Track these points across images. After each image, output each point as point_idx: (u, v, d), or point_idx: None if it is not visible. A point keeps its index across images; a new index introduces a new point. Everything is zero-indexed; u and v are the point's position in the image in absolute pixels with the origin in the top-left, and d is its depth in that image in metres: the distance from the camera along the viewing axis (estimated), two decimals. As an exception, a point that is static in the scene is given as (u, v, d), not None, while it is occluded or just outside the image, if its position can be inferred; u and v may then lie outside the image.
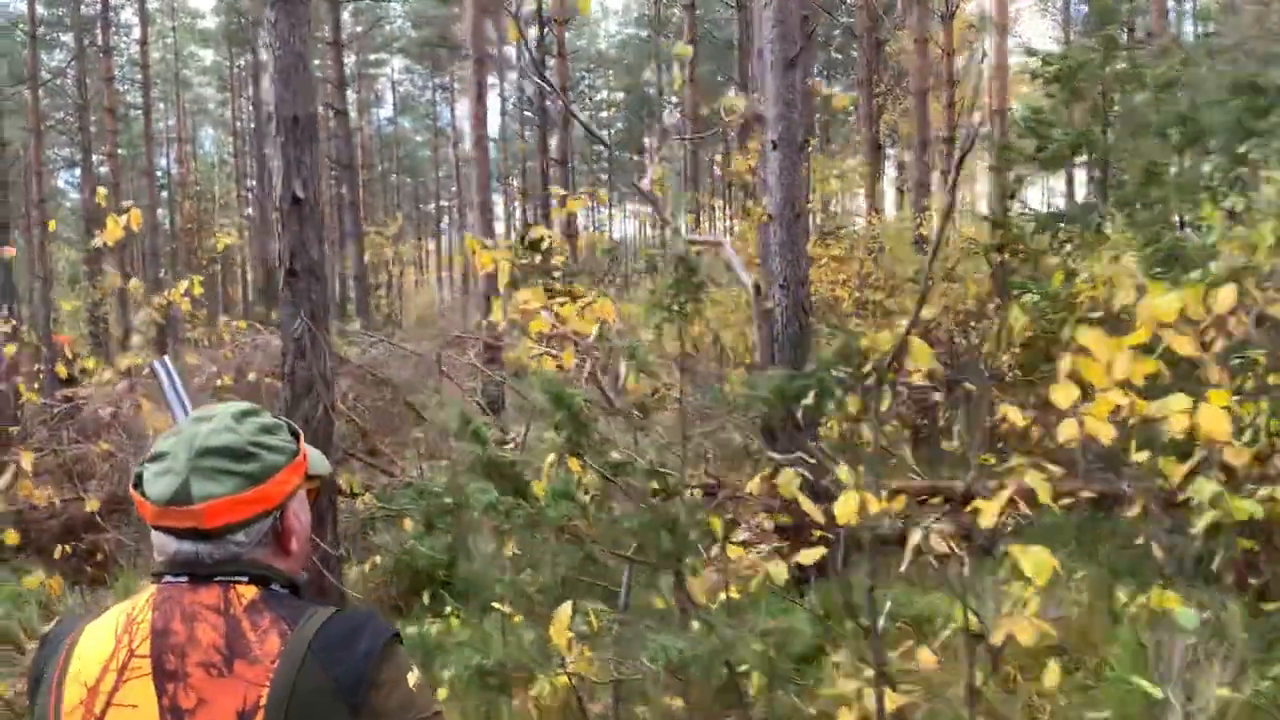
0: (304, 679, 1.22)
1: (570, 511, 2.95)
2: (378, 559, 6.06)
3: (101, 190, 5.59)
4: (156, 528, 1.30)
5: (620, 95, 45.04)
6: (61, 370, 6.15)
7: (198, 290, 5.19)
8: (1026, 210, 9.93)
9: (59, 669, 1.29)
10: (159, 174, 33.82)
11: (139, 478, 1.31)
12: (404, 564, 6.20)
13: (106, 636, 1.29)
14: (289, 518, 1.36)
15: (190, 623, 1.26)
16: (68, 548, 5.99)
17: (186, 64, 39.81)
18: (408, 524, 5.20)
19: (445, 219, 50.04)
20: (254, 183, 32.45)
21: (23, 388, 5.81)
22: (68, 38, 28.93)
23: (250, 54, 32.53)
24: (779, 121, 5.82)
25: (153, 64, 28.36)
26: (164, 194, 33.30)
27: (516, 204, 39.59)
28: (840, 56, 34.75)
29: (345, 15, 28.28)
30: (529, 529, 2.94)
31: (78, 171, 30.74)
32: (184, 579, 1.29)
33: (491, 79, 42.25)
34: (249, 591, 1.29)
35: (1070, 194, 16.95)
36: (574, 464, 3.11)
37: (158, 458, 1.31)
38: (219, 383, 6.27)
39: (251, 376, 6.31)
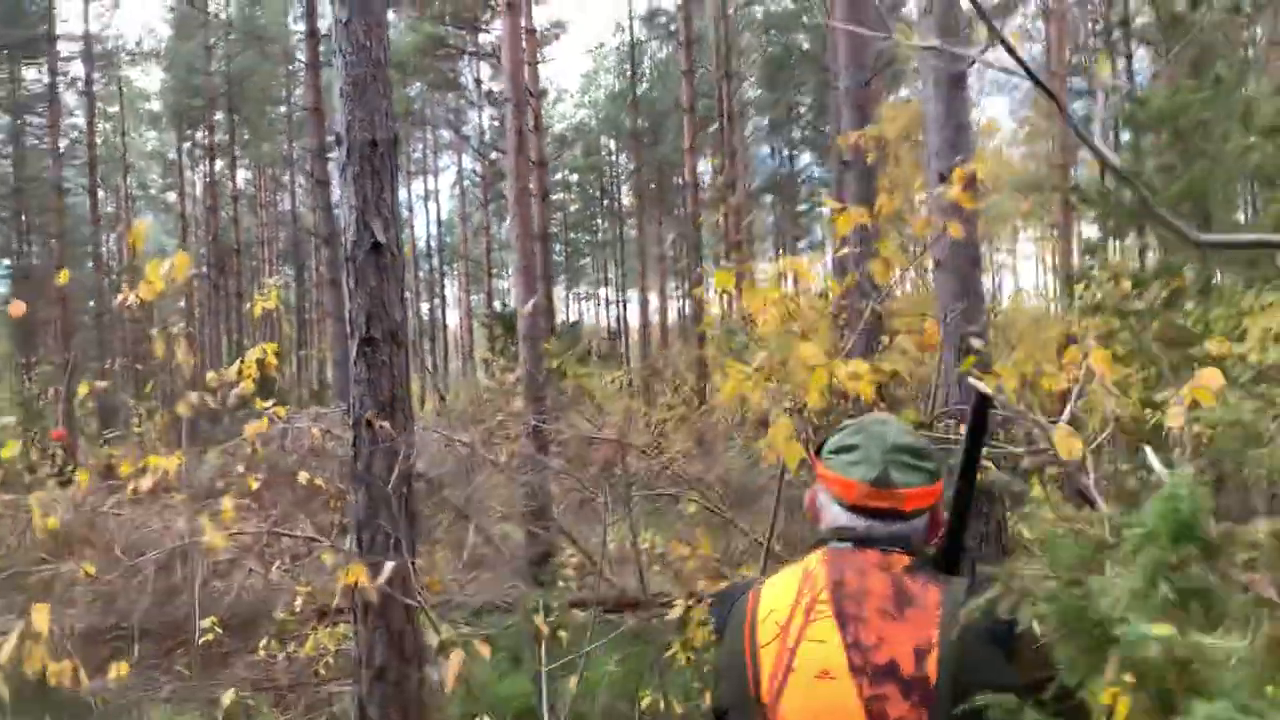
0: (968, 626, 1.42)
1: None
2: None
3: (139, 228, 4.33)
4: (853, 507, 1.60)
5: (575, 176, 44.48)
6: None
7: (271, 360, 3.93)
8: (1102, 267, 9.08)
9: (749, 614, 1.58)
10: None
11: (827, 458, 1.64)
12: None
13: (790, 587, 1.58)
14: (939, 512, 1.66)
15: (862, 576, 1.54)
16: None
17: (129, 147, 38.36)
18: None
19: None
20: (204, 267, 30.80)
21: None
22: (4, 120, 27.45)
23: (205, 131, 31.22)
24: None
25: (97, 146, 26.92)
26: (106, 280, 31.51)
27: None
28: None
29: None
30: None
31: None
32: (847, 545, 1.59)
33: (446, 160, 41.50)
34: (903, 559, 1.57)
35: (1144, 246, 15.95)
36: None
37: (848, 449, 1.63)
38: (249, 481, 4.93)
39: (302, 476, 4.99)
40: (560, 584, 6.98)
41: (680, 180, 35.39)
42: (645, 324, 31.83)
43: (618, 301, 43.66)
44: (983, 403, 1.69)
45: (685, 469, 8.74)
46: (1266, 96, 7.93)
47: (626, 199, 40.82)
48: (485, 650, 3.67)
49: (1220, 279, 7.15)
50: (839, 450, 1.64)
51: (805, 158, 33.01)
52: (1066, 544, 1.42)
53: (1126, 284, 7.67)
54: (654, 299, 34.35)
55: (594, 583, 6.91)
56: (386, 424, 3.87)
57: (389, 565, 3.42)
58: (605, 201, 42.83)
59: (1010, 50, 1.34)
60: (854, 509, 1.60)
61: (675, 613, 4.98)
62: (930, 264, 4.79)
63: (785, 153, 33.47)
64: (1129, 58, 20.23)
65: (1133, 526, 1.29)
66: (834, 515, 1.63)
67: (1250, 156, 7.84)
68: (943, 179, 4.81)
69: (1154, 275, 7.32)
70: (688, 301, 37.45)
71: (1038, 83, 1.41)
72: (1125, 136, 8.98)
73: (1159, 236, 8.03)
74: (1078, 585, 1.31)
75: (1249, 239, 1.85)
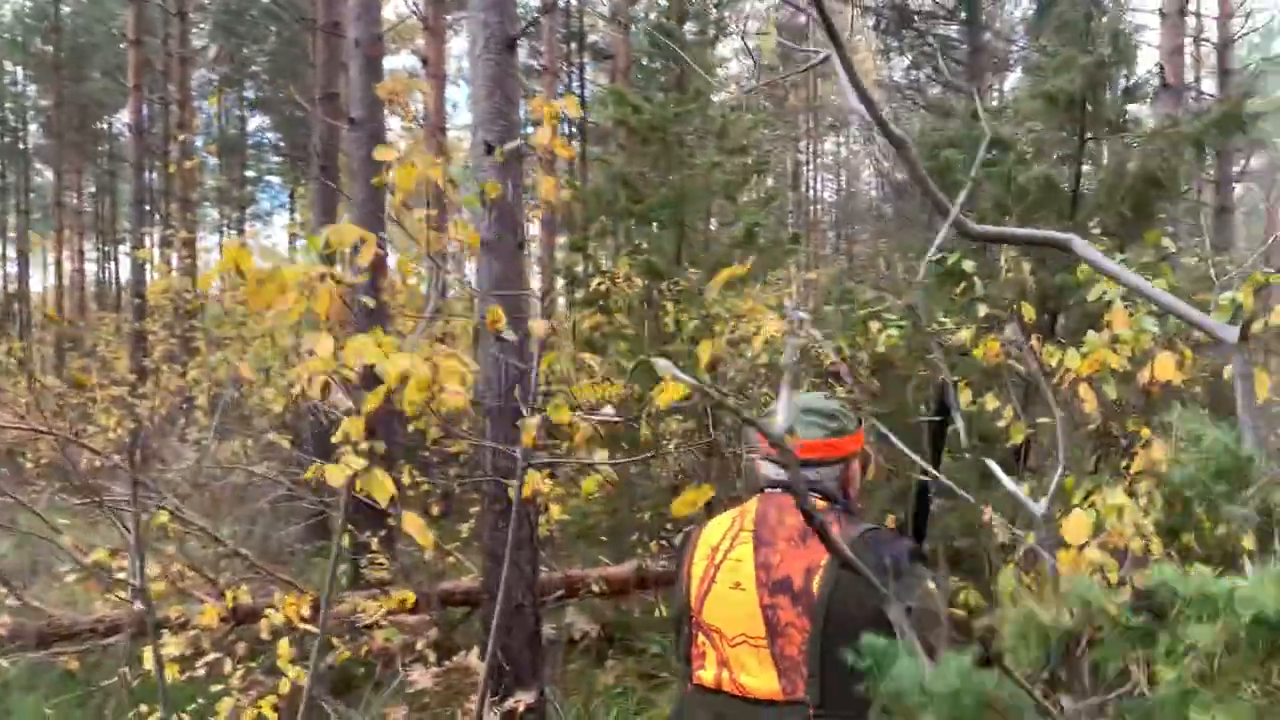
0: (854, 555, 1.52)
1: None
2: None
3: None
4: (768, 458, 2.04)
5: None
6: None
7: None
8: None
9: (693, 545, 2.03)
10: None
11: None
12: None
13: (725, 521, 2.03)
14: (852, 468, 2.05)
15: (780, 513, 1.94)
16: None
17: None
18: None
19: None
20: None
21: None
22: None
23: None
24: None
25: None
26: None
27: None
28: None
29: None
30: None
31: None
32: (778, 490, 2.00)
33: None
34: (822, 503, 1.95)
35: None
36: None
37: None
38: None
39: None
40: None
41: (108, 125, 30.94)
42: (59, 287, 27.34)
43: (17, 259, 37.07)
44: (942, 396, 2.17)
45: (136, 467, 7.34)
46: (733, 120, 8.75)
47: (35, 141, 34.71)
48: None
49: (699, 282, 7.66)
50: (766, 416, 2.08)
51: (257, 120, 30.66)
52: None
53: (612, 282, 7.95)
54: (67, 260, 29.68)
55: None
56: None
57: None
58: (6, 139, 36.06)
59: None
60: (771, 460, 2.03)
61: (174, 646, 3.97)
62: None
63: (236, 113, 30.84)
64: (581, 68, 21.72)
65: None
66: (764, 469, 2.07)
67: (717, 171, 8.56)
68: (489, 150, 4.39)
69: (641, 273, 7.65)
70: (114, 264, 32.99)
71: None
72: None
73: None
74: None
75: (1023, 233, 1.62)
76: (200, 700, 3.42)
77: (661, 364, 1.62)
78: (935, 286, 5.07)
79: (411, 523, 1.96)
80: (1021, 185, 4.90)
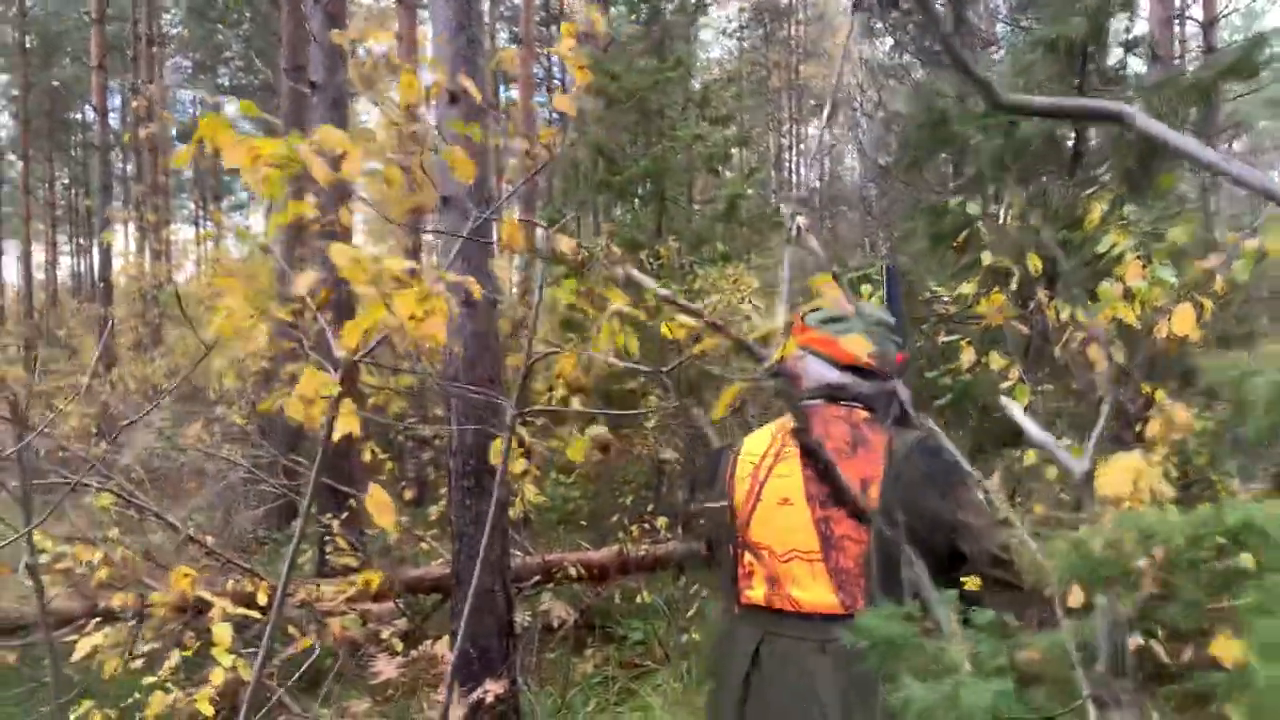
0: (908, 466, 1.73)
1: None
2: None
3: None
4: (834, 364, 1.92)
5: None
6: None
7: None
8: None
9: (732, 460, 1.96)
10: None
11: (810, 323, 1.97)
12: None
13: (765, 436, 1.96)
14: (900, 384, 1.92)
15: (826, 424, 1.85)
16: None
17: None
18: None
19: None
20: None
21: None
22: None
23: None
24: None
25: None
26: None
27: None
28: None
29: None
30: None
31: None
32: (818, 402, 1.91)
33: None
34: (863, 413, 1.88)
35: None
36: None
37: (836, 320, 1.94)
38: None
39: None
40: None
41: (80, 115, 30.35)
42: (28, 280, 26.79)
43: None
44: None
45: (88, 451, 7.02)
46: (716, 88, 8.46)
47: (5, 130, 34.06)
48: None
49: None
50: (828, 320, 1.95)
51: (233, 108, 30.14)
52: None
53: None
54: (40, 252, 29.09)
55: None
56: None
57: None
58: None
59: None
60: (835, 365, 1.92)
61: (86, 642, 3.66)
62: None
63: (211, 100, 30.34)
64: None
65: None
66: (816, 373, 1.94)
67: (699, 144, 8.27)
68: (453, 100, 4.10)
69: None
70: (86, 258, 32.39)
71: None
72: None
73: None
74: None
75: (1069, 103, 1.30)
76: (136, 695, 3.13)
77: (646, 280, 1.34)
78: (929, 248, 4.81)
79: (376, 498, 1.66)
80: (1021, 139, 4.63)
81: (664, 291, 0.92)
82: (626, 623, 5.80)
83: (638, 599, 5.97)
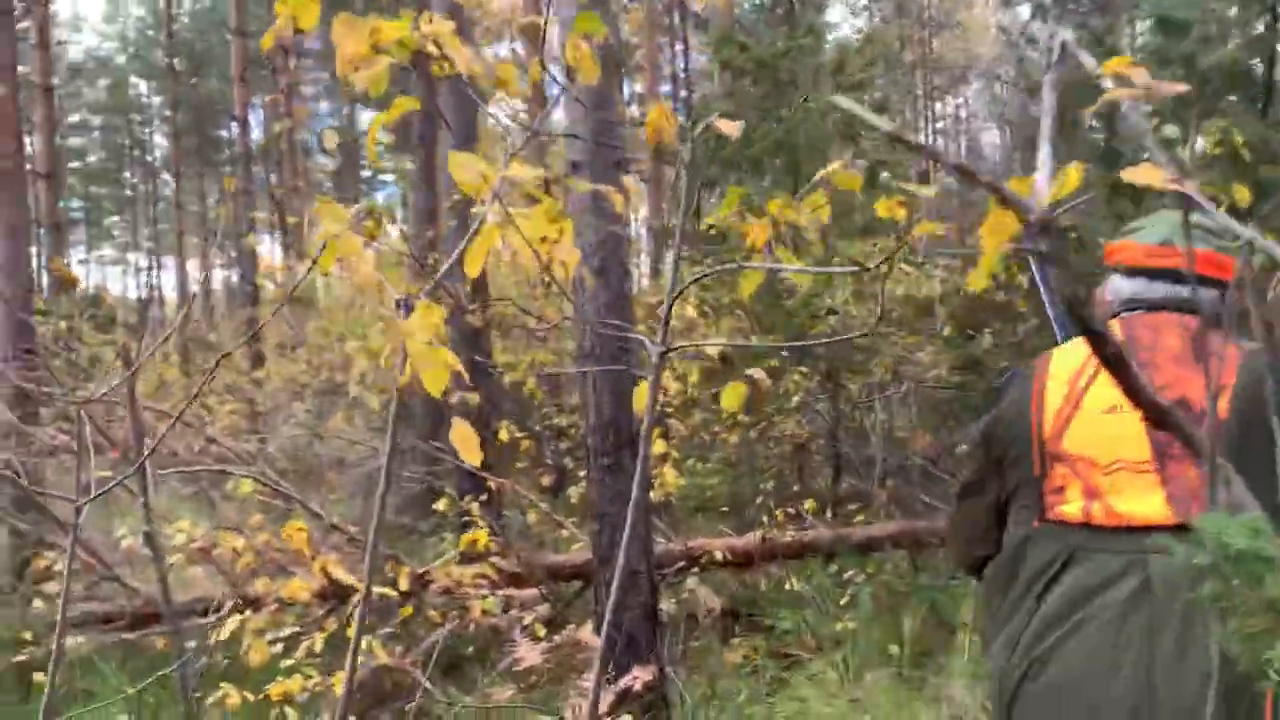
0: (1262, 384, 1.56)
1: None
2: None
3: None
4: (1137, 270, 1.80)
5: (98, 120, 38.24)
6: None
7: None
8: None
9: (1038, 381, 1.77)
10: None
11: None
12: None
13: (1077, 352, 1.75)
14: (1238, 296, 1.68)
15: (1154, 332, 1.73)
16: None
17: None
18: None
19: None
20: None
21: None
22: None
23: None
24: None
25: None
26: None
27: None
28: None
29: None
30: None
31: None
32: (1139, 311, 1.78)
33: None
34: (1195, 321, 1.72)
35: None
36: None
37: (1139, 229, 1.85)
38: None
39: None
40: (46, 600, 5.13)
41: (226, 132, 31.78)
42: (185, 293, 28.22)
43: (150, 268, 38.63)
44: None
45: (236, 444, 7.18)
46: (852, 51, 8.07)
47: (161, 150, 35.96)
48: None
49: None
50: (1130, 231, 1.88)
51: (368, 115, 31.02)
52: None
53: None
54: (194, 267, 30.64)
55: (110, 593, 5.23)
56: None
57: None
58: (136, 152, 37.51)
59: None
60: (1138, 271, 1.80)
61: (227, 626, 3.63)
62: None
63: (344, 110, 31.37)
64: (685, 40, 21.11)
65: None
66: (1120, 288, 1.83)
67: (835, 112, 7.90)
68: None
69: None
70: (236, 270, 33.93)
71: None
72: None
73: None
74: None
75: None
76: (279, 679, 3.06)
77: (843, 101, 1.06)
78: (1105, 200, 4.38)
79: (460, 432, 1.45)
80: (1204, 71, 4.15)
81: (887, 126, 0.67)
82: (774, 611, 5.52)
83: (786, 586, 5.69)
